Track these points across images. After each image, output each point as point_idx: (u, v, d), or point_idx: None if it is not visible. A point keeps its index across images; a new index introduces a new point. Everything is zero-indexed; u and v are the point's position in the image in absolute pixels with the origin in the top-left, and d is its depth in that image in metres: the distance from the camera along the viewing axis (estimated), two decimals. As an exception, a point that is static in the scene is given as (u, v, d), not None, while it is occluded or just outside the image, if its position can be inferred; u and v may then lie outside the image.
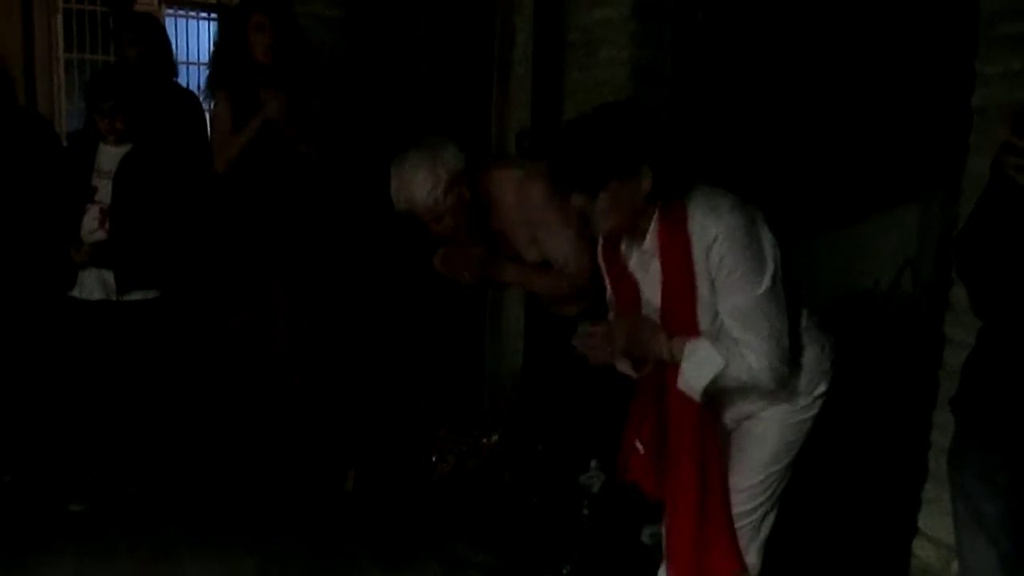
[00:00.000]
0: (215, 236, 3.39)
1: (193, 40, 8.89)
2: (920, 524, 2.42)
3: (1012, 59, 2.03)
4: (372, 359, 3.69)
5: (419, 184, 2.44)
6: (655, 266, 1.93)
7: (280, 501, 3.24)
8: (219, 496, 3.28)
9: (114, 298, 3.15)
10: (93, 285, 3.14)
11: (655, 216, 1.90)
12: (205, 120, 3.76)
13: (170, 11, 9.01)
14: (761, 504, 2.04)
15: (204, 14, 9.38)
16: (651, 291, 1.96)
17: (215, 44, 3.55)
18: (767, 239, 1.86)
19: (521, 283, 2.63)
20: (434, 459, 3.43)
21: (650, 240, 1.92)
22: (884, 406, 2.98)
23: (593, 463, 2.71)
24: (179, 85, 3.87)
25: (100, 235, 3.13)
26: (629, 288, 2.01)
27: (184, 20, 9.04)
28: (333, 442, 3.35)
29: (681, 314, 1.90)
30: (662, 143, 1.88)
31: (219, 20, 9.19)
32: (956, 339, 2.23)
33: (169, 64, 3.77)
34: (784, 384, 1.91)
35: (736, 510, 2.02)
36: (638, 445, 2.07)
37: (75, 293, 3.16)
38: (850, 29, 3.08)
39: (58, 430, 3.35)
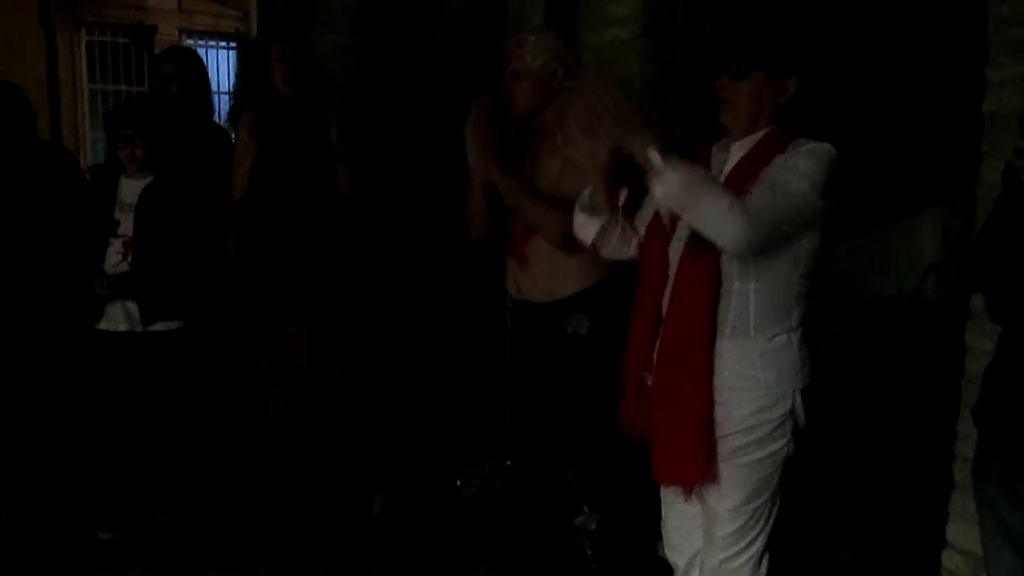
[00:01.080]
0: (238, 266, 3.43)
1: (212, 69, 9.03)
2: (948, 536, 2.40)
3: (1021, 65, 2.02)
4: (396, 383, 3.70)
5: (542, 38, 2.63)
6: (735, 160, 1.97)
7: (306, 526, 3.26)
8: (245, 521, 3.30)
9: (139, 329, 3.18)
10: (118, 317, 3.17)
11: (766, 129, 1.96)
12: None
13: (190, 41, 9.17)
14: (755, 538, 2.00)
15: (224, 43, 9.55)
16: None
17: (237, 75, 3.59)
18: (830, 194, 1.88)
19: (507, 192, 2.62)
20: (459, 482, 3.44)
21: (748, 141, 1.96)
22: (911, 415, 2.95)
23: (585, 508, 2.75)
24: (215, 123, 3.83)
25: (123, 267, 3.16)
26: None
27: (204, 50, 9.20)
28: (360, 466, 3.37)
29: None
30: (817, 75, 1.95)
31: (238, 50, 9.37)
32: (977, 347, 2.22)
33: (207, 101, 3.75)
34: (740, 247, 1.82)
35: (728, 552, 2.00)
36: (646, 377, 2.04)
37: (101, 325, 3.20)
38: (861, 35, 3.07)
39: (87, 460, 3.39)
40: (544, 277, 2.67)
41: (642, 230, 2.10)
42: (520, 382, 2.91)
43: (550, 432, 2.78)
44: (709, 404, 1.93)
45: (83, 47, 9.02)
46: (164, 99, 3.59)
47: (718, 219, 1.80)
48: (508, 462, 3.37)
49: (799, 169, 1.86)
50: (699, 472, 1.96)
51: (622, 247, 2.15)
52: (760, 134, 1.97)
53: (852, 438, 2.83)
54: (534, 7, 3.50)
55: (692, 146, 2.14)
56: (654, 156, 1.81)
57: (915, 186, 3.05)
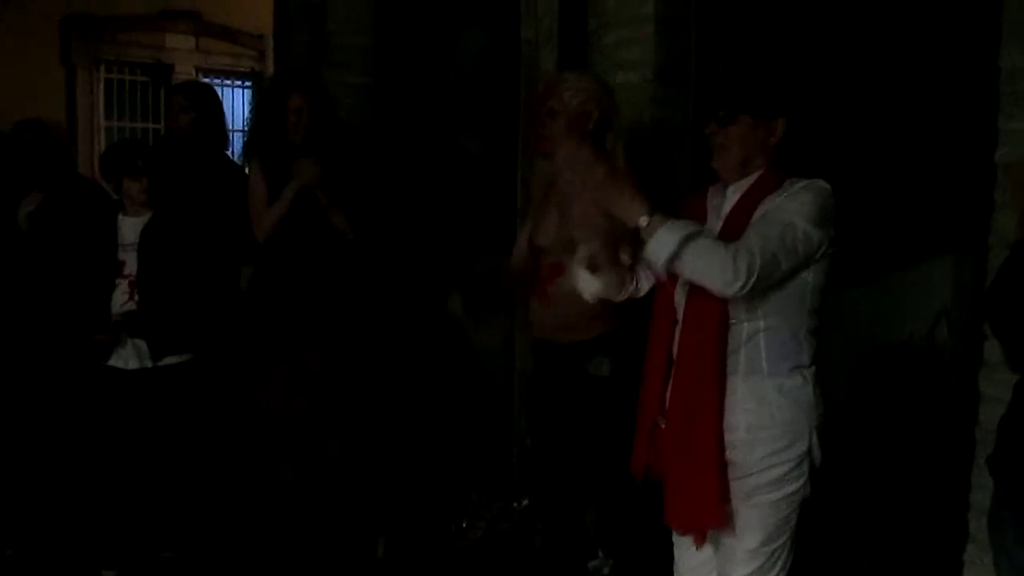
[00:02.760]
0: (251, 299, 3.44)
1: (228, 108, 9.16)
2: (963, 587, 2.36)
3: (1034, 115, 2.03)
4: (402, 422, 3.69)
5: (582, 79, 2.67)
6: (732, 203, 1.99)
7: (310, 567, 3.23)
8: (250, 559, 3.27)
9: (149, 364, 3.18)
10: (128, 354, 3.17)
11: (760, 171, 1.98)
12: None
13: (206, 79, 9.28)
14: None
15: (239, 82, 9.69)
16: (713, 227, 2.00)
17: (251, 114, 3.63)
18: (829, 229, 1.90)
19: None
20: (464, 524, 3.41)
21: (744, 183, 1.99)
22: (924, 463, 2.92)
23: (600, 552, 2.72)
24: (228, 157, 3.85)
25: (130, 306, 3.16)
26: None
27: (220, 88, 9.32)
28: (364, 508, 3.34)
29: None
30: (805, 113, 1.98)
31: (253, 88, 9.50)
32: (991, 395, 2.20)
33: (221, 135, 3.76)
34: (739, 291, 1.83)
35: None
36: (660, 421, 2.04)
37: (113, 362, 3.19)
38: (874, 84, 3.10)
39: (92, 495, 3.38)
40: (568, 318, 2.67)
41: (643, 276, 2.12)
42: (538, 422, 2.90)
43: (569, 473, 2.76)
44: (721, 448, 1.92)
45: (101, 84, 9.15)
46: (176, 132, 3.63)
47: (713, 270, 1.83)
48: (515, 504, 3.35)
49: (792, 204, 1.89)
50: (713, 517, 1.95)
51: (633, 292, 2.16)
52: (755, 176, 1.99)
53: (864, 484, 2.80)
54: (547, 51, 3.55)
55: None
56: (643, 221, 1.86)
57: (927, 232, 3.05)
